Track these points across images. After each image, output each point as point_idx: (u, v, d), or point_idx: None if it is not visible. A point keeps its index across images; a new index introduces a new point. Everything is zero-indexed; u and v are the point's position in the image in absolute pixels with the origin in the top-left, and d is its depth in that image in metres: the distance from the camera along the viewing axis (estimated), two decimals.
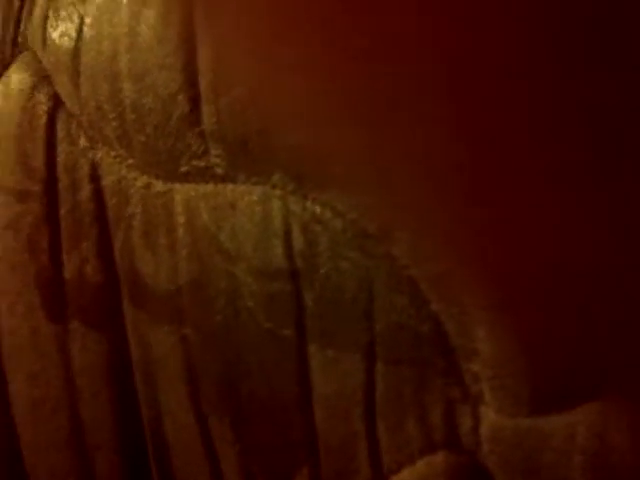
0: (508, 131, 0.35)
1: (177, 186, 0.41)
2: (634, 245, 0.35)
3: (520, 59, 0.34)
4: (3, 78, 0.46)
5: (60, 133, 0.44)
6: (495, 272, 0.37)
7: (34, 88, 0.45)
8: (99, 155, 0.43)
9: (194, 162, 0.41)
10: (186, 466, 0.43)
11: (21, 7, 0.46)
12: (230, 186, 0.40)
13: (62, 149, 0.44)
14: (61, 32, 0.44)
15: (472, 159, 0.36)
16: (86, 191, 0.43)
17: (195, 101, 0.40)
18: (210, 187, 0.41)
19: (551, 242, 0.36)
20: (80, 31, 0.43)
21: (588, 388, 0.36)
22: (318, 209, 0.39)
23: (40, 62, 0.45)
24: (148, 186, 0.42)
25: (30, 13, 0.46)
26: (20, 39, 0.46)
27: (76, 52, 0.43)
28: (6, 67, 0.46)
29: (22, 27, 0.46)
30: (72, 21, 0.44)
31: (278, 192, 0.39)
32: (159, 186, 0.42)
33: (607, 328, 0.36)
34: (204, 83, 0.40)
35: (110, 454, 0.44)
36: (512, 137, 0.35)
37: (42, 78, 0.45)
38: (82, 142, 0.43)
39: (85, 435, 0.44)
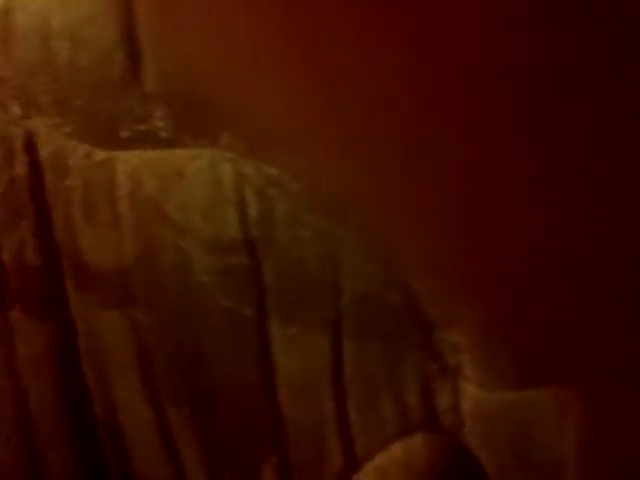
0: (500, 130, 0.32)
1: (119, 154, 0.38)
2: (622, 241, 0.32)
3: (515, 59, 0.31)
4: None
5: None
6: (475, 243, 0.33)
7: None
8: (34, 124, 0.39)
9: (136, 126, 0.37)
10: (145, 461, 0.40)
11: None
12: (177, 151, 0.37)
13: None
14: None
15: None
16: (22, 164, 0.40)
17: (134, 57, 0.36)
18: (155, 154, 0.37)
19: (534, 218, 0.33)
20: None
21: (580, 361, 0.33)
22: (274, 171, 0.35)
23: None
24: (88, 155, 0.38)
25: None
26: None
27: (6, 11, 0.39)
28: None
29: None
30: None
31: (229, 155, 0.36)
32: (100, 155, 0.38)
33: (595, 312, 0.33)
34: (144, 37, 0.36)
35: (62, 450, 0.41)
36: (503, 137, 0.32)
37: None
38: (15, 110, 0.40)
39: (33, 431, 0.41)
